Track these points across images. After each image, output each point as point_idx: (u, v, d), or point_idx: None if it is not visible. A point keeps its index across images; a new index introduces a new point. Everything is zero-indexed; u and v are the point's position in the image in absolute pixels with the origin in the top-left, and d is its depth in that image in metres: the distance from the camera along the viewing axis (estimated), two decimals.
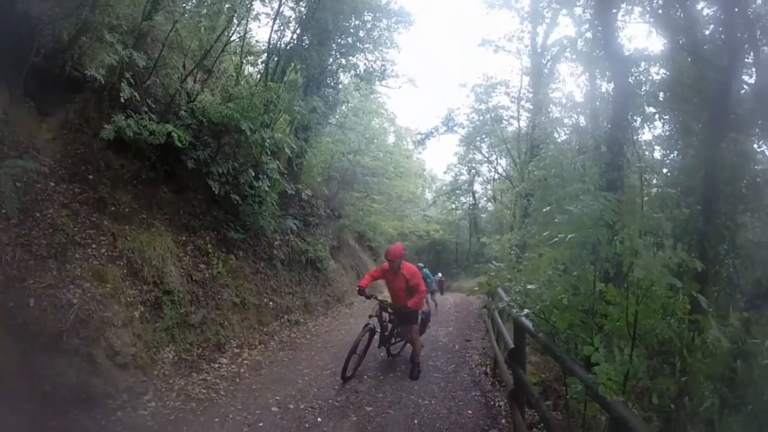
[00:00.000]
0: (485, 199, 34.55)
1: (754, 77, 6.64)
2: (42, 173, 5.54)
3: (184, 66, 8.43)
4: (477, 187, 34.30)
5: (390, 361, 7.19)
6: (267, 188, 8.90)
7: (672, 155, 7.78)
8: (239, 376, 6.25)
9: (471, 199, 34.57)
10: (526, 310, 3.71)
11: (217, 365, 6.46)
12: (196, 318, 6.68)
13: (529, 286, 3.83)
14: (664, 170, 7.69)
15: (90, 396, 4.51)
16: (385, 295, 7.74)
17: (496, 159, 28.05)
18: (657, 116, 7.63)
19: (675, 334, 2.67)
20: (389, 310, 6.76)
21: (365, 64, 14.47)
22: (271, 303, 9.30)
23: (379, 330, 6.70)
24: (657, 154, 8.52)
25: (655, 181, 7.49)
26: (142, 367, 5.29)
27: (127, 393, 4.89)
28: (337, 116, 14.74)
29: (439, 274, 21.63)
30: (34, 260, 4.78)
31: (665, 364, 2.83)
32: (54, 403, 4.18)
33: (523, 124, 22.19)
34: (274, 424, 4.81)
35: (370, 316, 6.67)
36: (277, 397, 5.54)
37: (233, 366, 6.64)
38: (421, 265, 12.86)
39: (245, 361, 6.93)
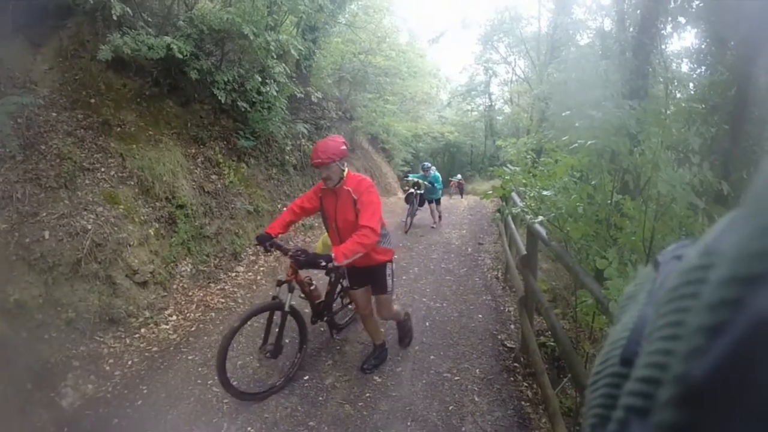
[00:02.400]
0: (502, 101, 33.25)
1: None
2: (41, 105, 5.38)
3: None
4: (494, 88, 32.87)
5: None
6: (275, 93, 8.59)
7: (700, 70, 7.24)
8: (256, 283, 6.46)
9: (487, 100, 33.32)
10: (540, 217, 3.63)
11: (234, 274, 6.66)
12: (211, 229, 6.77)
13: (544, 192, 3.72)
14: (691, 84, 7.20)
15: (113, 317, 4.71)
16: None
17: (515, 60, 26.65)
18: (688, 26, 6.96)
19: None
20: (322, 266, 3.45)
21: None
22: (285, 209, 9.34)
23: (288, 302, 3.76)
24: (684, 67, 7.94)
25: (679, 95, 7.03)
26: (161, 282, 5.46)
27: (148, 310, 5.09)
28: (346, 15, 13.72)
29: (459, 176, 21.52)
30: (44, 193, 4.77)
31: None
32: (80, 329, 4.37)
33: (543, 24, 20.90)
34: (289, 329, 4.99)
35: (280, 282, 3.82)
36: (293, 302, 5.72)
37: (250, 273, 6.84)
38: (427, 164, 11.19)
39: (261, 268, 7.12)
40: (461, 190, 20.60)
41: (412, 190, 10.62)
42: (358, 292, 4.08)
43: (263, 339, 3.83)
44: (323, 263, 3.32)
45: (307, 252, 3.66)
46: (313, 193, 3.95)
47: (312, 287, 4.18)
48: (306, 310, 4.35)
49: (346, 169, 3.66)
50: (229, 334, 3.51)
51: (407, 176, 12.27)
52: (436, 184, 10.83)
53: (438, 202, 11.15)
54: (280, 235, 3.90)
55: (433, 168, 11.24)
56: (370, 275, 3.93)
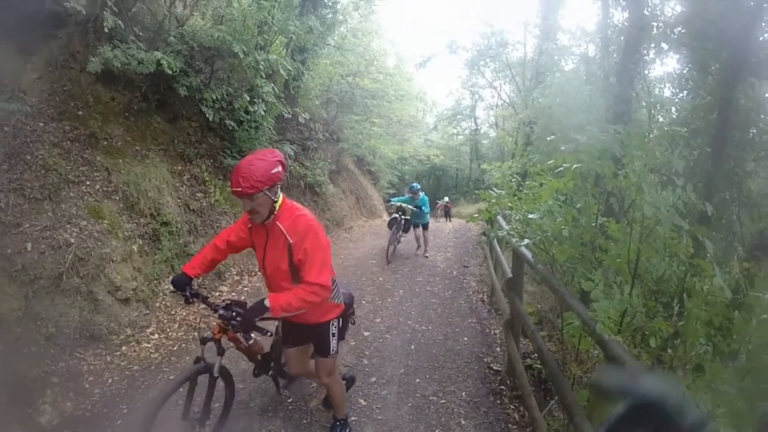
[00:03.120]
0: (487, 125, 34.12)
1: None
2: (29, 114, 5.31)
3: None
4: (479, 112, 33.70)
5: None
6: (263, 112, 8.68)
7: (682, 94, 7.51)
8: None
9: (473, 124, 34.10)
10: (526, 240, 3.67)
11: (217, 293, 6.59)
12: (195, 247, 6.68)
13: (530, 216, 3.76)
14: (673, 108, 7.45)
15: (94, 334, 4.60)
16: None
17: (500, 84, 27.23)
18: (671, 52, 7.23)
19: (676, 276, 2.63)
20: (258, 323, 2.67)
21: None
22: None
23: (218, 365, 2.90)
24: (667, 92, 8.22)
25: (662, 119, 7.26)
26: (143, 300, 5.36)
27: (130, 327, 4.98)
28: (335, 37, 13.91)
29: (446, 199, 21.68)
30: (28, 204, 4.68)
31: (662, 306, 2.83)
32: (59, 344, 4.25)
33: (529, 50, 21.55)
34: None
35: (204, 340, 2.91)
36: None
37: (233, 293, 6.77)
38: (416, 186, 10.22)
39: (245, 288, 7.05)
40: (447, 213, 20.75)
41: (396, 215, 9.84)
42: (292, 351, 3.25)
43: (185, 405, 2.92)
44: (268, 333, 2.73)
45: (243, 306, 2.72)
46: (242, 224, 2.97)
47: (250, 341, 2.96)
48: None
49: (281, 198, 2.71)
50: (152, 409, 2.64)
51: (390, 200, 11.37)
52: (423, 208, 9.93)
53: (426, 227, 10.34)
54: (200, 276, 3.06)
55: (422, 191, 10.31)
56: (309, 333, 3.09)
